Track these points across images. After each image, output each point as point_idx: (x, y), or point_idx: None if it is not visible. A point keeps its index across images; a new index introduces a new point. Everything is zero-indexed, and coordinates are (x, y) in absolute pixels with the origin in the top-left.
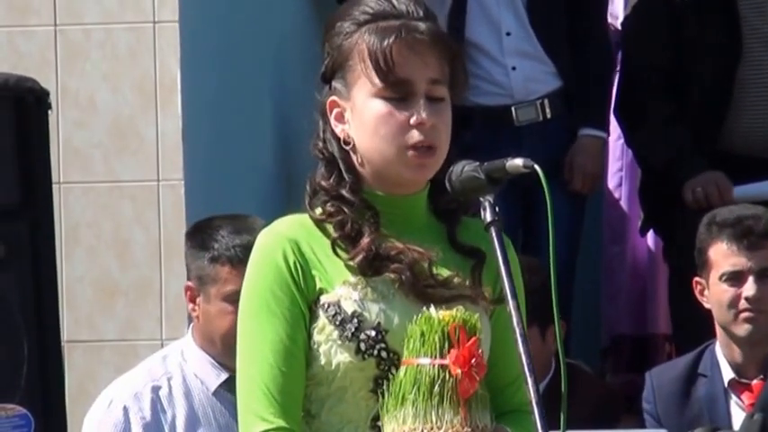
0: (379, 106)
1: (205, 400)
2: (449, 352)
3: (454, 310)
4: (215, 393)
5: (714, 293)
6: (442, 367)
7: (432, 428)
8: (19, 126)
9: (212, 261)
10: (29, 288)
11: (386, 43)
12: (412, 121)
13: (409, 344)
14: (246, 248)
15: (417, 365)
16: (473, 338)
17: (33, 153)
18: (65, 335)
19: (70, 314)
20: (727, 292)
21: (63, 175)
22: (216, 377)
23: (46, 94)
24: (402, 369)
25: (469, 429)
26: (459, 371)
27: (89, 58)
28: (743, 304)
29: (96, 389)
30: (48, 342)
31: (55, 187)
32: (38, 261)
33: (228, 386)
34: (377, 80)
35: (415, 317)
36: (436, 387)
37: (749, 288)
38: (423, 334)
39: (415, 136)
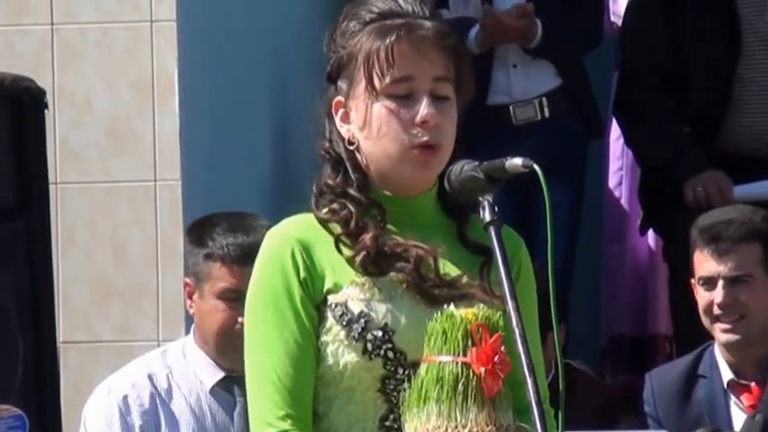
0: (383, 105)
1: (203, 397)
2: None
3: (476, 308)
4: (211, 391)
5: (698, 298)
6: (465, 365)
7: (456, 427)
8: (15, 126)
9: (206, 258)
10: (25, 288)
11: (388, 41)
12: (416, 119)
13: (430, 341)
14: (241, 247)
15: (440, 363)
16: (496, 335)
17: (29, 153)
18: (60, 335)
19: (66, 315)
20: (703, 297)
21: (59, 175)
22: (212, 376)
23: (42, 93)
24: (423, 367)
25: (494, 428)
26: (482, 369)
27: (86, 57)
28: (716, 310)
29: (91, 390)
30: (43, 343)
31: (51, 187)
32: (34, 261)
33: (225, 385)
34: (380, 79)
35: (421, 317)
36: (460, 385)
37: (718, 294)
38: (445, 332)
39: (419, 135)
